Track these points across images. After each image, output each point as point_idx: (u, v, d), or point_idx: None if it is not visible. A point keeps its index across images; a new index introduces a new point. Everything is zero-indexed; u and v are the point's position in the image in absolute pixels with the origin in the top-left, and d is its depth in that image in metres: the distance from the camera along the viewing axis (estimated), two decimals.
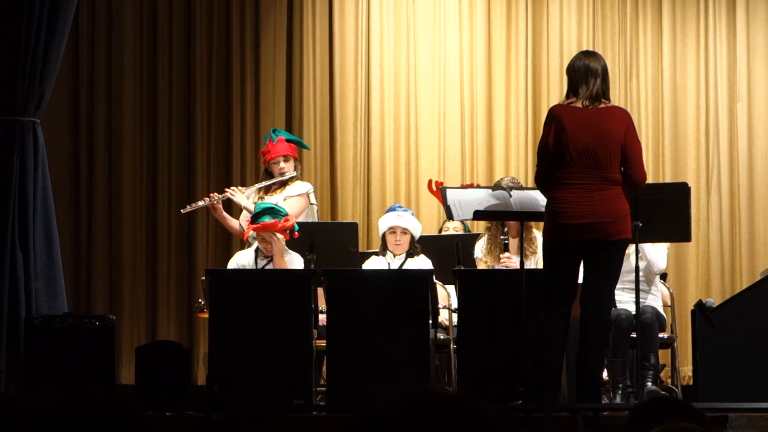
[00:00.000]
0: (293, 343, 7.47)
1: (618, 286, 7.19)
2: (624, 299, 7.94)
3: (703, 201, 10.48)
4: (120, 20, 10.42)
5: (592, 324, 6.82)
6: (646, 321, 7.85)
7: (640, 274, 7.83)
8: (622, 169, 6.80)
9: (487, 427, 1.75)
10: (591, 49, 10.30)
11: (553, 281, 6.87)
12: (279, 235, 8.06)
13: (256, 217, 8.10)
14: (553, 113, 6.87)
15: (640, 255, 7.83)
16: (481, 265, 8.33)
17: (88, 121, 10.39)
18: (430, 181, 9.12)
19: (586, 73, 6.85)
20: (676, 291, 9.39)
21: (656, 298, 8.24)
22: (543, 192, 7.03)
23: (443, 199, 7.87)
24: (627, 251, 7.77)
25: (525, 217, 7.53)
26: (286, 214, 8.11)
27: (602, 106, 6.83)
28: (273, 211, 8.07)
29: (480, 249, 8.36)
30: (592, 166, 6.73)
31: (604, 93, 6.86)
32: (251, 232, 8.29)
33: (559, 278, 6.85)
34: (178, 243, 10.39)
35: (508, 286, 7.34)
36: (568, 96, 6.93)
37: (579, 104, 6.83)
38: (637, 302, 7.47)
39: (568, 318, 6.85)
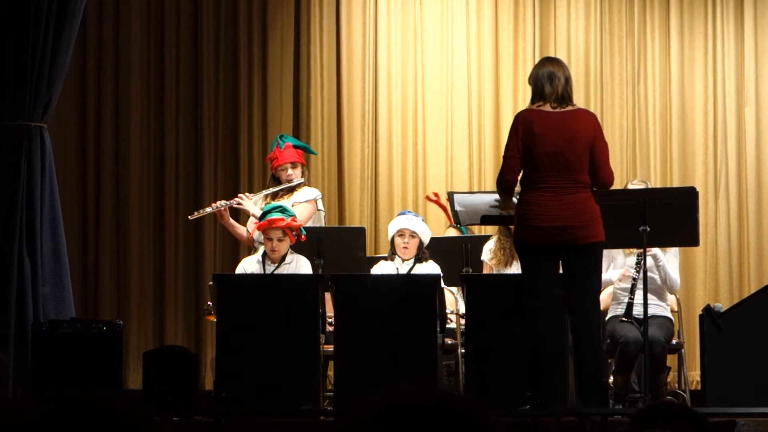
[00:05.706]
0: (301, 347, 7.47)
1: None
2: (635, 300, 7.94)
3: (711, 205, 10.47)
4: (127, 25, 10.42)
5: (582, 331, 6.83)
6: (655, 353, 7.79)
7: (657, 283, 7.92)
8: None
9: (474, 428, 1.73)
10: (598, 53, 10.32)
11: (532, 284, 6.86)
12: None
13: (263, 217, 8.10)
14: (522, 117, 6.91)
15: (659, 265, 7.92)
16: (486, 269, 8.33)
17: (95, 126, 10.39)
18: (428, 196, 9.22)
19: (550, 76, 6.88)
20: (684, 296, 9.37)
21: (665, 306, 8.22)
22: (502, 194, 7.00)
23: (451, 204, 7.85)
24: (636, 256, 7.80)
25: None
26: (294, 216, 8.11)
27: (570, 108, 6.86)
28: (281, 210, 8.07)
29: (487, 252, 8.35)
30: (562, 169, 6.75)
31: (569, 96, 6.88)
32: (256, 233, 8.28)
33: (537, 280, 6.84)
34: (185, 248, 10.39)
35: (516, 291, 7.32)
36: (534, 101, 6.95)
37: (547, 107, 6.85)
38: (645, 306, 7.44)
39: (560, 317, 6.84)
